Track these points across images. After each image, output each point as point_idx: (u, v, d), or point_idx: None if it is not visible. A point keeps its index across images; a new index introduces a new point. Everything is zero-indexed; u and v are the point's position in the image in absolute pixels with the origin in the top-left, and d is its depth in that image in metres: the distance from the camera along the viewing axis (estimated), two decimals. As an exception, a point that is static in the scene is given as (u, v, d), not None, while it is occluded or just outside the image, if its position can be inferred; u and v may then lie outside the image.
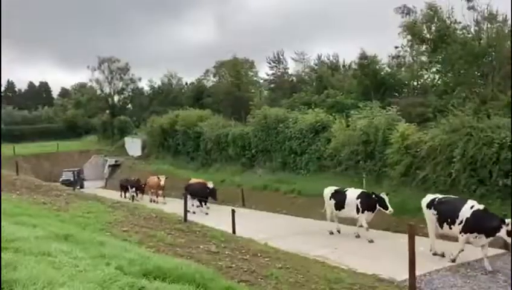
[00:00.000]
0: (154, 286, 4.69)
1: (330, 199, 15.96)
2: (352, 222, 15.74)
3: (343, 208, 15.31)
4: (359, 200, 14.76)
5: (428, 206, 12.39)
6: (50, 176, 38.66)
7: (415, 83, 36.45)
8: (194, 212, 20.65)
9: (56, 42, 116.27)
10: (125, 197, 30.02)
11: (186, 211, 12.92)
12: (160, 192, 27.47)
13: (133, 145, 48.01)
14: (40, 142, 55.38)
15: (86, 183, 40.12)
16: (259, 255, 9.55)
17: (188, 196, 22.06)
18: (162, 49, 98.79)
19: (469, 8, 20.82)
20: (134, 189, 29.95)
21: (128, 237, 8.94)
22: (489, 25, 21.30)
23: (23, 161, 38.06)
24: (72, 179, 38.89)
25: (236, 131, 31.47)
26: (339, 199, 15.51)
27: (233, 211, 14.48)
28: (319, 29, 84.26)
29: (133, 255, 6.09)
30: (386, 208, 14.00)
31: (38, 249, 5.48)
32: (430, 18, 20.68)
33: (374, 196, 14.45)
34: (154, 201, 26.81)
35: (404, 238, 12.52)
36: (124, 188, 31.98)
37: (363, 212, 14.62)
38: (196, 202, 22.41)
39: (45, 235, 6.75)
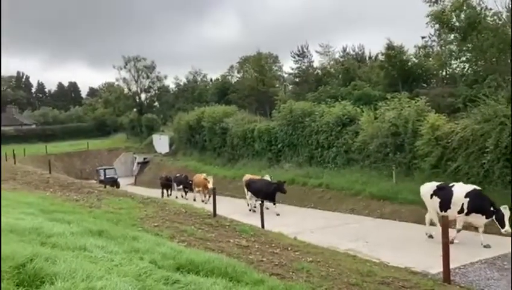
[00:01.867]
0: (188, 279, 4.74)
1: (432, 197, 13.35)
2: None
3: (449, 208, 12.65)
4: (467, 199, 12.29)
5: None
6: (81, 174, 39.63)
7: (444, 73, 35.66)
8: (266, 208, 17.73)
9: (84, 43, 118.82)
10: (167, 195, 28.28)
11: (215, 205, 13.00)
12: (206, 191, 25.09)
13: (161, 142, 48.66)
14: (70, 141, 56.84)
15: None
16: (289, 249, 9.54)
17: (250, 194, 20.84)
18: (188, 48, 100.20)
19: (501, -7, 20.20)
20: (182, 186, 28.12)
21: (159, 232, 9.07)
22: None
23: (54, 160, 39.16)
24: (115, 176, 37.35)
25: (262, 126, 31.41)
26: (444, 197, 12.85)
27: (261, 205, 14.54)
28: (342, 24, 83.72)
29: (165, 250, 6.19)
30: (503, 225, 11.66)
31: (75, 244, 5.63)
32: (459, 5, 20.13)
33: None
34: (204, 201, 24.13)
35: (436, 230, 12.35)
36: (166, 185, 29.59)
37: (468, 213, 12.26)
38: (257, 201, 19.89)
39: (80, 231, 6.93)
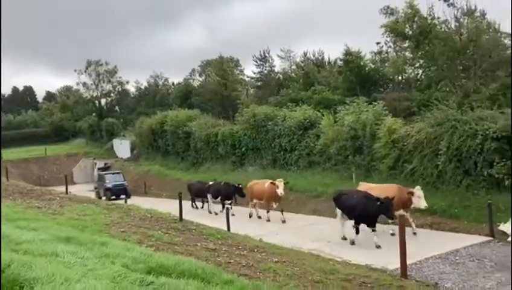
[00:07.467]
0: (162, 281, 4.93)
1: None
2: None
3: None
4: None
5: None
6: (39, 181, 38.39)
7: (400, 78, 37.05)
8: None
9: (46, 47, 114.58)
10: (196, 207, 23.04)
11: (181, 210, 13.12)
12: (274, 204, 18.31)
13: (122, 147, 47.80)
14: (27, 147, 54.83)
15: (75, 187, 36.07)
16: (255, 250, 9.82)
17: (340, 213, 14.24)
18: (153, 55, 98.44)
19: (449, 5, 21.45)
20: (221, 197, 20.83)
21: (127, 237, 9.13)
22: (468, 20, 21.90)
23: (11, 166, 37.75)
24: (125, 183, 31.72)
25: (226, 130, 31.67)
26: None
27: (227, 209, 14.78)
28: (303, 33, 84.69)
29: (135, 254, 6.35)
30: None
31: (46, 250, 5.71)
32: (411, 16, 21.29)
33: None
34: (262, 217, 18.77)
35: (393, 229, 12.97)
36: (198, 195, 23.04)
37: None
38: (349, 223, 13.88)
39: (48, 237, 6.98)
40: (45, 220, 10.04)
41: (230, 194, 20.28)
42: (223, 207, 19.65)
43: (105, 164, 44.10)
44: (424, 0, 22.64)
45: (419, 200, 13.60)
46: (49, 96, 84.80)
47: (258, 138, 28.51)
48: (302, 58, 50.59)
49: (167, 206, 17.63)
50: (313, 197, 20.82)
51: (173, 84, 65.62)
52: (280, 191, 17.49)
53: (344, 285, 7.79)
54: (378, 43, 35.66)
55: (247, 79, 55.08)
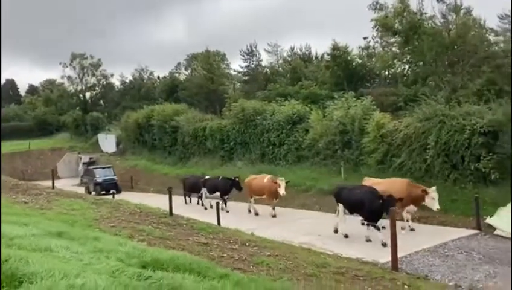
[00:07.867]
0: (159, 275, 4.89)
1: None
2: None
3: None
4: None
5: None
6: (23, 175, 37.83)
7: (386, 73, 37.35)
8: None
9: (28, 40, 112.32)
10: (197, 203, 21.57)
11: (171, 204, 13.05)
12: (276, 200, 17.85)
13: (107, 142, 47.26)
14: (10, 141, 53.84)
15: (60, 182, 35.24)
16: (247, 244, 9.82)
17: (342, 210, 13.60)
18: (137, 47, 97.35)
19: (438, 1, 21.69)
20: (219, 193, 19.94)
21: (117, 232, 9.07)
22: (456, 17, 22.16)
23: (-7, 161, 37.06)
24: (115, 178, 31.58)
25: (214, 124, 31.56)
26: None
27: (217, 203, 14.78)
28: (290, 27, 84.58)
29: (128, 249, 6.29)
30: None
31: (39, 245, 5.63)
32: (401, 12, 21.50)
33: None
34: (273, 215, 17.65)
35: (383, 224, 13.07)
36: (193, 189, 22.19)
37: None
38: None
39: (40, 232, 6.88)
40: (34, 215, 9.90)
41: (228, 189, 19.65)
42: (225, 203, 19.26)
43: (91, 158, 43.64)
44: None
45: (433, 201, 13.19)
46: (32, 89, 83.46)
47: (246, 132, 28.47)
48: (289, 53, 50.68)
49: (156, 201, 17.52)
50: (301, 191, 20.88)
51: (158, 77, 65.08)
52: (282, 191, 16.93)
53: (337, 278, 7.84)
54: (365, 38, 35.97)
55: (233, 73, 54.97)
